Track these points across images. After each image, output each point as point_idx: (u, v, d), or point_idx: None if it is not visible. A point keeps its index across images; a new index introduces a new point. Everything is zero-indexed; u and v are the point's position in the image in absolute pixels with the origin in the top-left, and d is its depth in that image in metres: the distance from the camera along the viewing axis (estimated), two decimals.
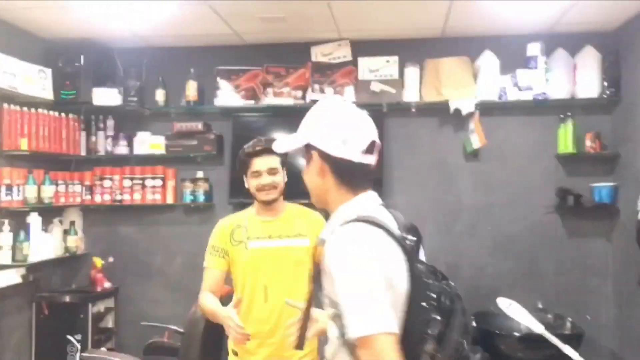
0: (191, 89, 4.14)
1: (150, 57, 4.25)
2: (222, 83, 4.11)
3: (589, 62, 3.77)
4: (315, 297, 1.66)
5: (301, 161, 1.57)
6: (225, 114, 4.19)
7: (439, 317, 1.37)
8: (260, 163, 2.38)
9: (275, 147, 1.65)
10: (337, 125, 1.49)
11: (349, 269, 1.34)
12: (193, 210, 4.28)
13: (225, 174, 4.19)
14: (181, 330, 3.30)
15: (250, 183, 2.41)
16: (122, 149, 4.28)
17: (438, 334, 1.36)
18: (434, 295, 1.39)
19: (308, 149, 1.51)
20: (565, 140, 3.84)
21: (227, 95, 4.11)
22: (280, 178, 2.41)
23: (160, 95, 4.22)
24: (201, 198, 4.20)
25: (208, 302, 2.37)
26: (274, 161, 2.39)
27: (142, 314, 4.16)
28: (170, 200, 4.25)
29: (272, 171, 2.38)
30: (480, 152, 3.98)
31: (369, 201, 1.50)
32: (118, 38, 4.04)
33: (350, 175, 1.48)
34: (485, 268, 3.97)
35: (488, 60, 3.83)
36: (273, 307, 2.37)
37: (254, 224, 2.44)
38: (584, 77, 3.77)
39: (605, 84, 3.76)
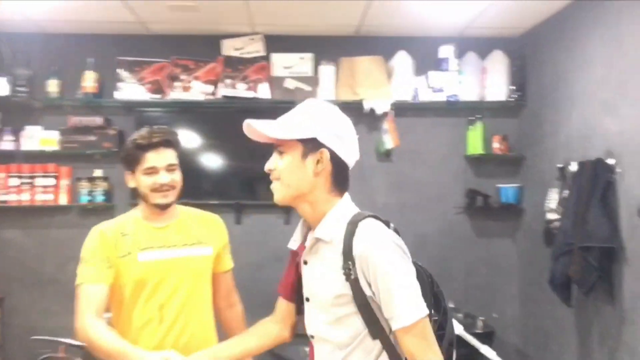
0: (89, 80, 3.82)
1: (43, 43, 3.88)
2: (125, 75, 3.82)
3: (498, 66, 3.87)
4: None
5: (284, 153, 1.51)
6: (127, 108, 3.89)
7: (435, 315, 1.54)
8: (156, 158, 1.97)
9: (271, 131, 1.50)
10: (346, 127, 1.53)
11: (397, 260, 1.40)
12: (90, 212, 3.94)
13: None
14: (80, 343, 3.00)
15: (142, 182, 1.99)
16: (7, 144, 3.86)
17: (438, 328, 1.52)
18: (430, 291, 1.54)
19: (313, 144, 1.48)
20: (474, 141, 3.91)
21: (130, 89, 3.82)
22: (179, 177, 2.04)
23: (53, 86, 3.85)
24: (100, 198, 3.88)
25: (108, 338, 1.84)
26: (172, 156, 2.01)
27: (33, 326, 3.80)
28: (63, 201, 3.89)
29: (170, 168, 2.00)
30: (393, 153, 3.96)
31: (351, 202, 1.57)
32: (7, 21, 3.63)
33: (344, 178, 1.54)
34: None
35: (402, 61, 3.82)
36: (169, 329, 2.01)
37: (143, 231, 2.03)
38: (493, 81, 3.86)
39: (512, 88, 3.87)
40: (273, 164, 1.54)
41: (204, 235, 2.12)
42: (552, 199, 3.21)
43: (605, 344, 2.87)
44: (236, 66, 3.78)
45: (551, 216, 3.19)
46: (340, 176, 1.52)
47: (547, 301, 3.43)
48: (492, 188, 3.97)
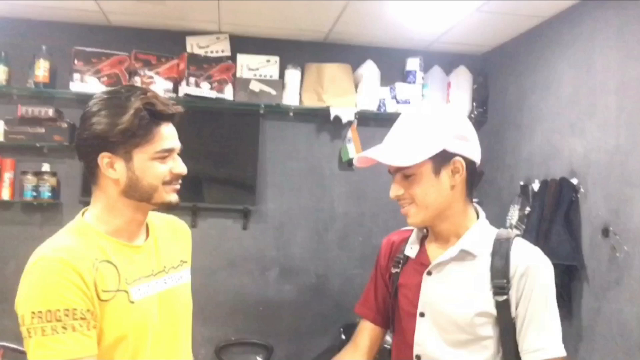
0: (41, 69, 3.60)
1: None
2: (80, 66, 3.63)
3: (462, 82, 3.92)
4: None
5: (412, 175, 1.38)
6: (81, 100, 3.67)
7: None
8: (173, 135, 1.39)
9: (396, 159, 1.35)
10: (467, 126, 1.42)
11: (553, 289, 1.36)
12: (35, 209, 3.71)
13: (77, 168, 3.67)
14: (20, 348, 2.80)
15: (151, 169, 1.34)
16: None
17: None
18: None
19: (443, 156, 1.36)
20: None
21: (86, 81, 3.63)
22: None
23: (1, 73, 3.61)
24: (46, 194, 3.64)
25: None
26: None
27: None
28: (6, 195, 3.64)
29: (180, 153, 1.43)
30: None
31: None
32: None
33: (477, 181, 1.43)
34: (354, 279, 3.93)
35: (370, 70, 3.80)
36: None
37: (122, 253, 1.36)
38: (457, 96, 3.90)
39: (474, 104, 3.93)
40: (400, 189, 1.40)
41: (184, 251, 1.57)
42: (513, 215, 3.26)
43: None
44: (201, 65, 3.65)
45: None
46: (474, 180, 1.43)
47: None
48: None
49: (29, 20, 3.68)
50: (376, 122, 3.93)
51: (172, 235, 1.55)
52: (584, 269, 2.74)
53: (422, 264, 1.46)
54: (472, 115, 3.94)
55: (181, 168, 1.40)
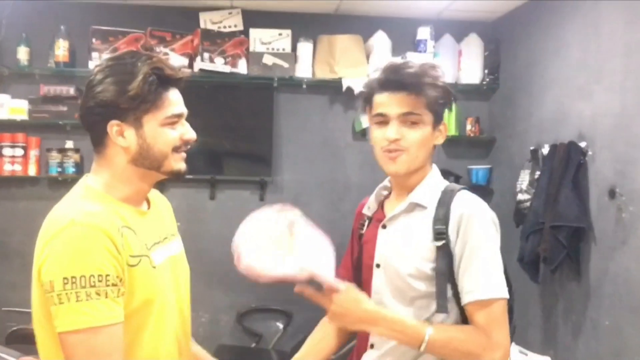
0: (61, 49, 3.71)
1: (11, 9, 3.73)
2: (98, 45, 3.73)
3: (473, 49, 3.94)
4: None
5: (417, 124, 1.45)
6: None
7: None
8: (180, 100, 1.38)
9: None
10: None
11: (491, 234, 1.42)
12: (60, 184, 3.85)
13: None
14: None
15: (162, 136, 1.32)
16: None
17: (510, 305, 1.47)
18: None
19: (440, 117, 1.49)
20: (448, 123, 3.96)
21: (104, 59, 3.73)
22: None
23: (23, 54, 3.74)
24: (70, 170, 3.79)
25: None
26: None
27: None
28: (32, 172, 3.79)
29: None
30: (368, 132, 4.00)
31: None
32: None
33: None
34: None
35: (380, 41, 3.84)
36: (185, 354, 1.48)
37: (137, 220, 1.35)
38: (468, 64, 3.93)
39: (486, 71, 3.95)
40: (399, 133, 1.43)
41: (172, 220, 1.58)
42: (524, 180, 3.31)
43: (570, 319, 3.00)
44: (214, 40, 3.73)
45: (522, 197, 3.29)
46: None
47: (515, 280, 3.53)
48: (463, 169, 4.06)
49: (48, 1, 3.78)
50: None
51: (163, 206, 1.55)
52: (592, 230, 2.80)
53: (379, 220, 1.56)
54: (484, 83, 3.97)
55: (191, 133, 1.38)
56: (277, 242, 1.44)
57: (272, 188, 4.02)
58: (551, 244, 2.87)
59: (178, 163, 1.37)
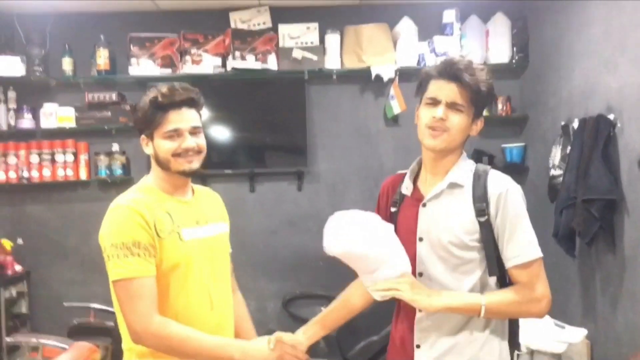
0: (102, 57, 3.93)
1: (55, 23, 3.98)
2: (136, 51, 3.93)
3: (500, 29, 3.95)
4: None
5: (462, 112, 1.63)
6: (140, 83, 4.00)
7: None
8: (179, 119, 1.73)
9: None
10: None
11: (524, 206, 1.64)
12: (110, 186, 4.09)
13: None
14: (109, 309, 3.18)
15: (162, 146, 1.73)
16: (26, 122, 3.99)
17: None
18: None
19: (480, 113, 1.68)
20: None
21: (142, 64, 3.93)
22: (204, 141, 1.81)
23: (67, 64, 3.97)
24: (118, 172, 4.02)
25: (195, 335, 1.67)
26: (196, 117, 1.78)
27: (58, 296, 3.99)
28: (83, 175, 4.03)
29: (194, 130, 1.76)
30: (400, 118, 4.07)
31: None
32: (18, 2, 3.73)
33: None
34: None
35: (406, 27, 3.90)
36: (220, 317, 1.82)
37: (174, 205, 1.78)
38: (496, 43, 3.95)
39: (515, 49, 3.96)
40: (443, 113, 1.63)
41: (221, 211, 1.98)
42: (556, 155, 3.33)
43: (608, 291, 3.02)
44: (245, 38, 3.87)
45: (554, 172, 3.31)
46: None
47: (552, 254, 3.56)
48: (497, 148, 4.09)
49: (87, 13, 4.00)
50: (417, 77, 4.00)
51: (210, 199, 1.98)
52: (624, 201, 2.81)
53: (417, 199, 1.73)
54: (514, 61, 3.98)
55: (188, 143, 1.75)
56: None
57: (309, 178, 4.14)
58: (584, 217, 2.90)
59: (182, 165, 1.77)
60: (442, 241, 1.64)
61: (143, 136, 1.78)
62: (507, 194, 1.61)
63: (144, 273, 1.65)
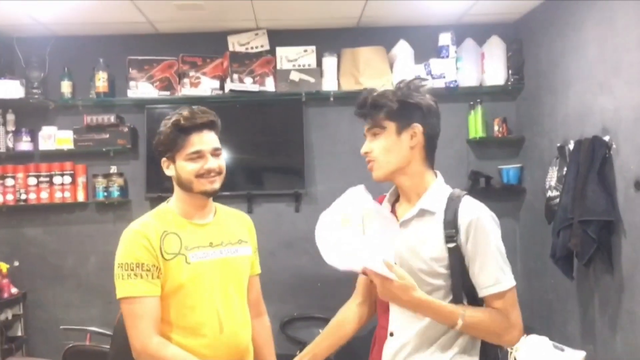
0: (101, 80, 3.95)
1: (54, 46, 4.01)
2: (135, 74, 3.95)
3: (495, 51, 3.99)
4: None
5: (378, 135, 1.65)
6: (138, 106, 4.03)
7: None
8: (201, 141, 1.81)
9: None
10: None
11: (497, 234, 1.61)
12: (107, 208, 4.09)
13: (141, 168, 4.04)
14: (107, 332, 3.16)
15: (184, 168, 1.80)
16: (25, 144, 4.01)
17: None
18: None
19: (407, 121, 1.65)
20: (475, 125, 4.04)
21: (141, 87, 3.95)
22: (224, 162, 1.89)
23: (66, 87, 4.00)
24: (115, 194, 4.02)
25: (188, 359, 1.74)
26: (216, 139, 1.86)
27: (55, 319, 3.96)
28: (81, 197, 4.03)
29: (216, 152, 1.84)
30: None
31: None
32: (19, 25, 3.77)
33: (434, 148, 1.72)
34: None
35: (403, 50, 3.94)
36: (230, 339, 1.85)
37: (187, 228, 1.86)
38: (491, 66, 3.99)
39: (510, 71, 4.00)
40: (367, 147, 1.68)
41: (244, 233, 2.00)
42: (552, 177, 3.34)
43: (606, 312, 3.01)
44: (243, 61, 3.91)
45: (551, 193, 3.32)
46: (431, 148, 1.70)
47: (550, 276, 3.57)
48: (494, 169, 4.10)
49: (86, 36, 4.04)
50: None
51: (235, 221, 2.01)
52: (621, 222, 2.82)
53: None
54: (509, 83, 4.01)
55: (211, 164, 1.83)
56: (350, 232, 1.61)
57: (307, 199, 4.15)
58: (581, 238, 2.90)
59: (204, 186, 1.83)
60: (412, 267, 1.61)
61: (164, 159, 1.86)
62: (477, 220, 1.58)
63: (146, 293, 1.75)
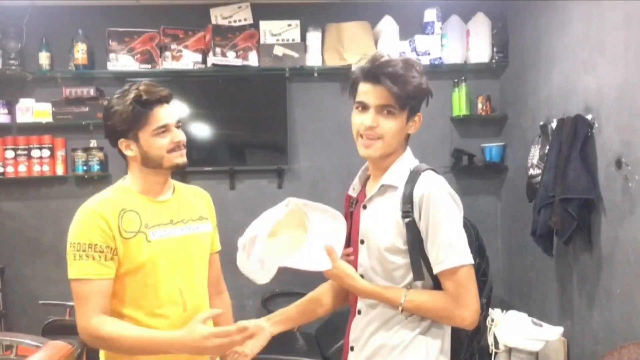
0: (80, 52, 3.87)
1: (31, 16, 3.90)
2: (115, 46, 3.87)
3: (480, 29, 3.97)
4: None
5: (394, 115, 1.57)
6: (118, 79, 3.94)
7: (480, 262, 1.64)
8: (167, 114, 1.75)
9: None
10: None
11: (450, 208, 1.55)
12: (87, 182, 4.03)
13: None
14: None
15: (153, 144, 1.72)
16: (2, 117, 3.93)
17: (482, 275, 1.63)
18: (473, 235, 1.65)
19: (417, 109, 1.60)
20: (459, 103, 4.04)
21: (121, 59, 3.88)
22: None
23: (44, 59, 3.91)
24: (95, 168, 3.97)
25: (127, 330, 1.66)
26: (176, 112, 1.80)
27: (34, 293, 3.93)
28: (60, 171, 3.98)
29: (179, 125, 1.79)
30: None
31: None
32: None
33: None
34: None
35: (388, 26, 3.91)
36: (193, 316, 1.74)
37: (147, 206, 1.77)
38: (476, 43, 3.97)
39: (495, 49, 3.99)
40: (375, 121, 1.56)
41: (204, 210, 1.94)
42: (534, 155, 3.35)
43: (584, 289, 3.05)
44: (225, 34, 3.84)
45: (533, 172, 3.34)
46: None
47: (530, 253, 3.61)
48: (476, 147, 4.12)
49: (65, 6, 3.94)
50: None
51: (193, 197, 1.94)
52: (601, 201, 2.84)
53: (361, 200, 1.70)
54: (494, 61, 4.00)
55: (178, 137, 1.77)
56: (289, 234, 1.67)
57: (290, 176, 4.13)
58: (562, 216, 2.92)
59: (176, 159, 1.77)
60: (376, 244, 1.60)
61: (122, 139, 1.74)
62: (429, 195, 1.53)
63: (96, 275, 1.66)
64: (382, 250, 1.59)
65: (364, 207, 1.67)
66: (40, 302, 3.60)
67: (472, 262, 1.54)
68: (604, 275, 2.87)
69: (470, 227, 1.66)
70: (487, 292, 1.67)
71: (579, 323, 3.11)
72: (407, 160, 1.65)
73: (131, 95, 1.70)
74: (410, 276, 1.59)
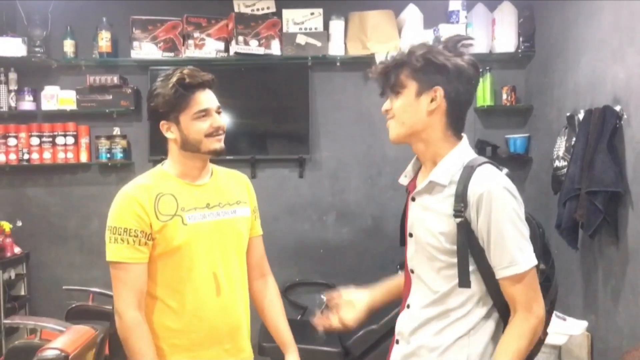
0: (104, 40, 3.89)
1: (56, 4, 3.93)
2: (138, 34, 3.88)
3: (506, 17, 3.90)
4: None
5: (400, 93, 1.54)
6: (142, 67, 3.97)
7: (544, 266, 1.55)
8: (208, 99, 1.77)
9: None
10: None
11: (513, 207, 1.45)
12: (110, 169, 4.07)
13: (144, 130, 4.00)
14: (109, 292, 3.16)
15: (193, 128, 1.75)
16: (27, 104, 3.97)
17: (545, 279, 1.54)
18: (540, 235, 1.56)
19: (429, 83, 1.51)
20: (483, 93, 3.98)
21: (144, 47, 3.89)
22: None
23: (69, 46, 3.94)
24: (119, 156, 4.00)
25: (145, 351, 1.71)
26: (216, 98, 1.83)
27: (58, 279, 3.99)
28: (84, 158, 4.01)
29: (219, 110, 1.81)
30: None
31: (469, 147, 1.60)
32: None
33: (459, 117, 1.57)
34: None
35: (412, 15, 3.85)
36: (227, 302, 1.82)
37: (184, 189, 1.80)
38: (502, 32, 3.90)
39: (521, 39, 3.92)
40: (388, 104, 1.59)
41: (242, 194, 1.94)
42: (560, 146, 3.29)
43: (609, 284, 3.00)
44: (248, 23, 3.83)
45: (559, 163, 3.28)
46: (455, 115, 1.55)
47: (554, 246, 3.55)
48: (501, 139, 4.06)
49: None
50: None
51: (233, 182, 1.96)
52: (628, 194, 2.78)
53: (412, 191, 1.63)
54: (519, 51, 3.93)
55: (218, 122, 1.79)
56: None
57: (311, 165, 4.11)
58: (588, 209, 2.87)
59: (213, 144, 1.79)
60: (423, 241, 1.54)
61: (164, 122, 1.78)
62: (488, 194, 1.43)
63: (130, 259, 1.71)
64: (430, 247, 1.53)
65: (413, 199, 1.60)
66: (63, 287, 3.66)
67: (536, 262, 1.46)
68: (630, 270, 2.81)
69: (536, 227, 1.56)
70: (552, 298, 1.57)
71: (604, 318, 3.06)
72: (461, 154, 1.55)
73: (174, 79, 1.74)
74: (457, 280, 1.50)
